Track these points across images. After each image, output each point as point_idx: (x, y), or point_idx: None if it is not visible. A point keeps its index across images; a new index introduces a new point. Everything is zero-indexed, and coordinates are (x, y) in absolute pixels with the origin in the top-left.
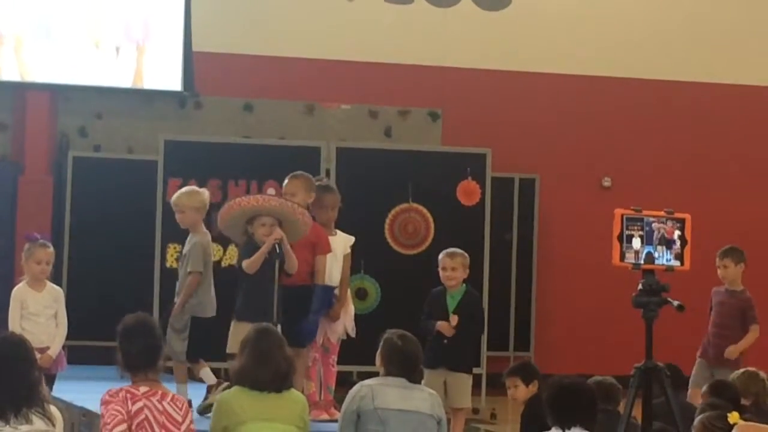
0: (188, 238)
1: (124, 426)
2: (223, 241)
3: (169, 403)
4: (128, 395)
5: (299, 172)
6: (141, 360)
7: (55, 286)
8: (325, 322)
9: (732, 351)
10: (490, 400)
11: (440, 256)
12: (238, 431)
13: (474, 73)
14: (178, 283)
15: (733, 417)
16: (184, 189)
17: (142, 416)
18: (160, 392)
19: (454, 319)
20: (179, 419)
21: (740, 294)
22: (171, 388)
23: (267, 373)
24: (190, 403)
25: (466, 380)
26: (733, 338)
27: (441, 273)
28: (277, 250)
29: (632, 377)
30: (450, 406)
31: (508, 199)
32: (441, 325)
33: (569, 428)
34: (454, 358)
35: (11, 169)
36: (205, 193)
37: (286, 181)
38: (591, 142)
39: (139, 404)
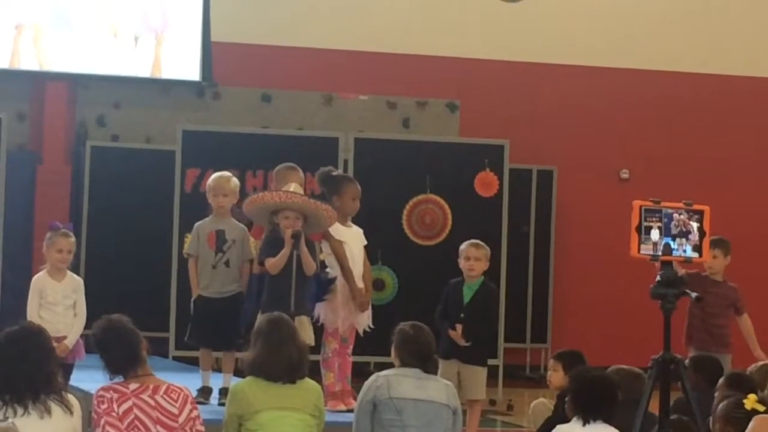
0: (231, 224)
1: None
2: None
3: (162, 396)
4: (116, 395)
5: (292, 164)
6: (123, 362)
7: (75, 276)
8: (352, 314)
9: (760, 354)
10: (507, 391)
11: (464, 245)
12: (253, 420)
13: (492, 65)
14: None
15: (750, 401)
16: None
17: (132, 416)
18: (151, 386)
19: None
20: (175, 411)
21: (723, 285)
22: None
23: (279, 364)
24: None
25: (480, 372)
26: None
27: (463, 263)
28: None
29: (650, 369)
30: (465, 397)
31: (525, 191)
32: (452, 333)
33: (588, 422)
34: (467, 351)
35: (30, 159)
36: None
37: (282, 171)
38: (609, 134)
39: (127, 404)
